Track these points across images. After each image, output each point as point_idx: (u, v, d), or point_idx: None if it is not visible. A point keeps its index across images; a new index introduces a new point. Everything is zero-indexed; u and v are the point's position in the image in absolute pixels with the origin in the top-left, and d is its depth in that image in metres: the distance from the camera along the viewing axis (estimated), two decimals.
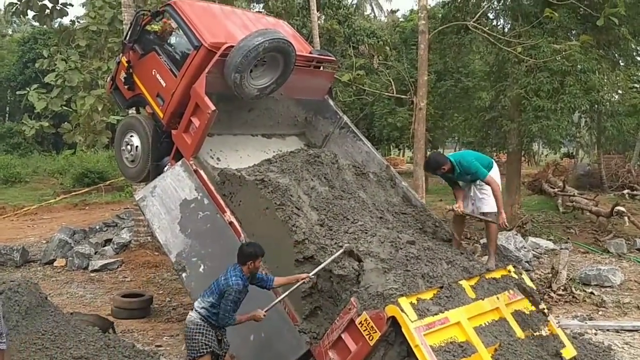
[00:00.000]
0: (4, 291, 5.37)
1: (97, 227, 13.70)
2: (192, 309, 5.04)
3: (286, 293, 5.18)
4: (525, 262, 10.40)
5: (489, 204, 6.44)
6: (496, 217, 6.42)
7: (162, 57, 6.76)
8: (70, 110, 12.73)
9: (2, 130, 32.01)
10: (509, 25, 14.55)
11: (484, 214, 6.47)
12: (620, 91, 14.04)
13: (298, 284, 5.12)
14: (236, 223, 5.96)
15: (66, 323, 5.75)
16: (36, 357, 5.12)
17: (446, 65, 16.00)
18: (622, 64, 14.28)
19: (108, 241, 12.38)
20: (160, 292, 9.56)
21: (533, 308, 5.60)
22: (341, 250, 5.25)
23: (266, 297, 5.28)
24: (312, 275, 5.13)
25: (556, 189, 17.10)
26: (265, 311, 5.03)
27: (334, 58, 7.60)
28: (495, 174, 6.46)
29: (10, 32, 45.24)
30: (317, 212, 5.94)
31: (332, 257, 5.21)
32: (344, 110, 7.96)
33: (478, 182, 6.45)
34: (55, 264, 11.24)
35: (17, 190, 23.32)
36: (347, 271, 5.22)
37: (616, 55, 13.92)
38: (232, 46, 6.15)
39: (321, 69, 7.45)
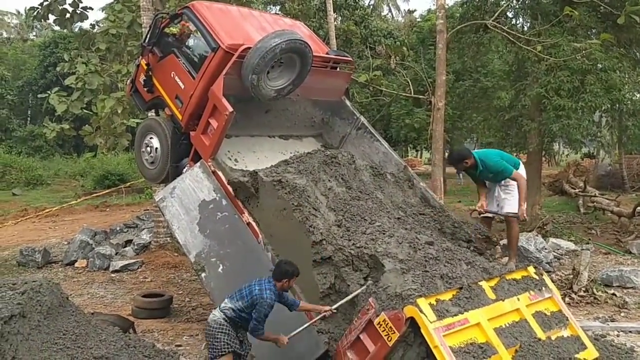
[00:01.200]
0: (26, 291, 5.43)
1: (118, 228, 13.86)
2: (215, 308, 5.09)
3: (308, 324, 5.22)
4: (546, 263, 10.28)
5: (512, 205, 6.42)
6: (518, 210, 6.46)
7: (180, 59, 6.82)
8: (91, 113, 12.90)
9: (24, 134, 32.58)
10: (529, 24, 14.43)
11: (507, 214, 6.45)
12: None
13: (320, 315, 5.18)
14: (254, 224, 5.99)
15: (87, 323, 5.80)
16: (57, 356, 5.17)
17: (465, 65, 15.91)
18: None
19: (128, 242, 12.51)
20: (180, 292, 9.63)
21: (554, 309, 5.53)
22: (364, 287, 5.23)
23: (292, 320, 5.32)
24: (334, 308, 5.16)
25: (577, 190, 16.89)
26: (289, 338, 5.08)
27: (350, 58, 7.60)
28: (522, 172, 6.45)
29: (31, 36, 46.06)
30: (334, 213, 5.94)
31: (356, 292, 5.22)
32: (361, 111, 7.94)
33: (503, 182, 6.43)
34: (76, 264, 11.39)
35: (38, 192, 23.71)
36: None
37: (637, 53, 13.70)
38: (250, 48, 6.19)
39: (338, 69, 7.44)
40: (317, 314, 5.22)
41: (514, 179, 6.36)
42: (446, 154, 22.01)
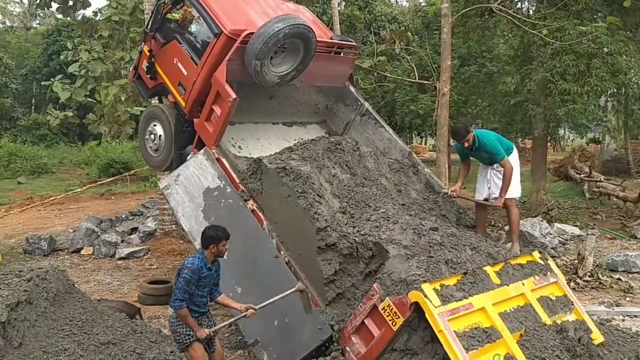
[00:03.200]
0: (32, 278, 5.48)
1: (123, 216, 13.92)
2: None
3: (228, 322, 5.21)
4: (551, 248, 10.27)
5: (496, 186, 6.41)
6: (513, 201, 6.53)
7: (183, 45, 6.80)
8: (95, 101, 12.90)
9: (29, 122, 32.62)
10: (534, 8, 14.26)
11: (496, 199, 6.44)
12: None
13: (242, 315, 4.93)
14: (258, 211, 5.99)
15: (93, 309, 5.86)
16: (64, 342, 5.23)
17: (470, 50, 15.78)
18: None
19: (134, 230, 12.57)
20: None
21: (559, 294, 5.53)
22: (293, 289, 5.13)
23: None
24: (258, 308, 4.93)
25: (582, 175, 16.82)
26: (213, 331, 4.91)
27: (354, 44, 7.54)
28: (513, 158, 6.48)
29: (34, 24, 45.94)
30: (338, 200, 5.93)
31: (283, 294, 5.09)
32: (365, 97, 7.89)
33: (496, 166, 6.41)
34: (82, 252, 11.46)
35: (44, 180, 23.79)
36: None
37: None
38: (253, 33, 6.14)
39: (342, 55, 7.39)
40: (237, 313, 5.02)
41: (502, 166, 6.35)
42: (451, 141, 21.92)
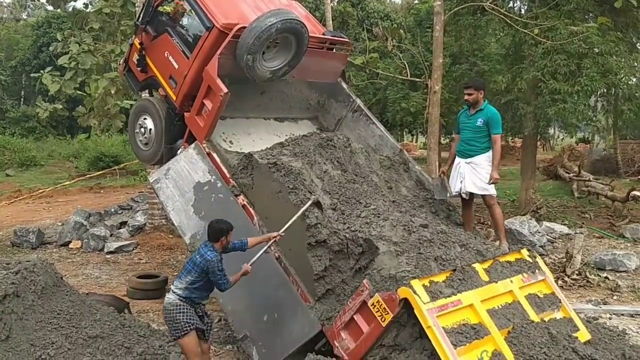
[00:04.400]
0: (19, 271, 5.43)
1: (112, 210, 13.83)
2: (168, 292, 5.06)
3: (264, 249, 5.35)
4: (540, 246, 10.34)
5: (476, 185, 6.44)
6: (494, 199, 6.57)
7: (174, 38, 6.75)
8: (84, 94, 12.79)
9: (17, 115, 32.35)
10: (526, 7, 14.33)
11: (467, 193, 6.49)
12: (638, 74, 13.79)
13: (271, 241, 5.35)
14: (249, 206, 5.98)
15: (82, 303, 5.82)
16: (52, 335, 5.20)
17: (462, 48, 15.81)
18: (639, 46, 14.02)
19: (123, 224, 12.50)
20: (175, 273, 9.59)
21: (547, 291, 5.58)
22: (309, 202, 5.44)
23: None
24: (282, 232, 5.34)
25: (571, 174, 16.94)
26: (251, 264, 5.17)
27: (347, 40, 7.52)
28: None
29: (24, 16, 45.47)
30: (329, 196, 5.92)
31: (301, 210, 5.38)
32: (357, 94, 7.88)
33: (475, 161, 6.42)
34: (70, 245, 11.40)
35: (32, 173, 23.60)
36: (311, 220, 5.42)
37: (634, 38, 13.66)
38: (245, 27, 6.11)
39: (334, 51, 7.37)
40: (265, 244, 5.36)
41: (494, 141, 6.40)
42: (442, 138, 21.94)
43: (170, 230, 11.59)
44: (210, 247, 5.00)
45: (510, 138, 23.40)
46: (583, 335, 5.36)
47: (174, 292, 4.96)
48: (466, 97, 6.53)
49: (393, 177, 6.90)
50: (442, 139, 21.70)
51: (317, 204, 5.52)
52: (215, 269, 4.89)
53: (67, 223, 12.01)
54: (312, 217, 5.52)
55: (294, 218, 5.35)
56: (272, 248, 5.69)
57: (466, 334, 4.63)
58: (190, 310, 4.98)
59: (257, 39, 6.02)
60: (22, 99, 36.73)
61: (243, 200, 6.03)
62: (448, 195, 6.61)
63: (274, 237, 5.32)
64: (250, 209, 5.97)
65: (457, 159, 6.64)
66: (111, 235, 11.81)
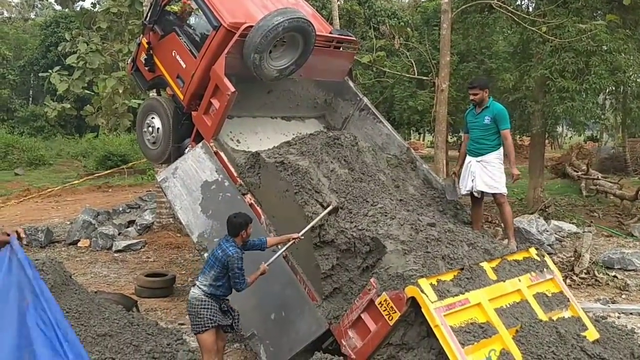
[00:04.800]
0: None
1: (120, 208, 13.90)
2: (193, 286, 5.09)
3: (283, 249, 5.33)
4: (548, 245, 10.30)
5: (487, 184, 6.41)
6: (504, 198, 6.55)
7: (181, 38, 6.77)
8: (92, 93, 12.85)
9: (26, 114, 32.55)
10: (534, 4, 14.25)
11: (479, 192, 6.48)
12: None
13: (290, 243, 5.30)
14: (256, 205, 5.99)
15: (90, 301, 5.87)
16: None
17: (469, 46, 15.74)
18: None
19: (131, 222, 12.56)
20: (183, 272, 9.69)
21: (555, 290, 5.55)
22: (330, 208, 5.40)
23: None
24: (302, 234, 5.27)
25: (580, 173, 16.85)
26: (268, 265, 5.16)
27: (354, 38, 7.51)
28: (501, 154, 6.50)
29: (32, 16, 45.73)
30: (336, 195, 5.92)
31: (321, 215, 5.35)
32: (364, 93, 7.87)
33: (485, 159, 6.41)
34: (79, 244, 11.45)
35: (41, 172, 23.75)
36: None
37: None
38: (252, 26, 6.12)
39: (341, 49, 7.37)
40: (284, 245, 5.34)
41: (505, 137, 6.38)
42: (449, 137, 21.85)
43: (178, 229, 11.63)
44: (231, 242, 5.00)
45: (518, 136, 23.26)
46: (591, 334, 5.34)
47: (199, 287, 4.99)
48: (472, 97, 6.52)
49: (400, 175, 6.89)
50: (449, 137, 21.62)
51: (335, 210, 5.49)
52: (235, 267, 4.89)
53: (76, 222, 12.07)
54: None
55: (315, 221, 5.31)
56: (280, 247, 5.70)
57: (474, 333, 4.62)
58: (215, 307, 5.00)
59: (264, 37, 6.03)
60: (30, 99, 36.95)
61: (250, 199, 6.05)
62: (460, 196, 6.60)
63: (294, 239, 5.28)
64: (258, 208, 5.98)
65: (468, 158, 6.64)
66: (119, 234, 11.86)
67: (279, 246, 5.38)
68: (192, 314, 5.02)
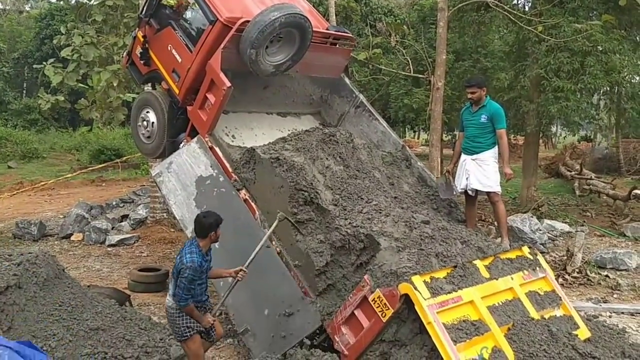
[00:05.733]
0: (21, 262, 5.46)
1: (114, 203, 13.85)
2: (168, 294, 4.90)
3: (224, 298, 5.19)
4: (540, 244, 10.33)
5: (481, 182, 6.44)
6: (498, 196, 6.56)
7: (177, 32, 6.74)
8: (87, 86, 12.78)
9: (20, 107, 32.34)
10: (530, 4, 14.27)
11: (473, 190, 6.51)
12: None
13: (235, 282, 5.02)
14: (251, 201, 5.98)
15: (83, 295, 5.85)
16: (53, 327, 5.23)
17: (465, 45, 15.75)
18: None
19: (125, 217, 12.51)
20: None
21: (547, 289, 5.59)
22: (275, 223, 5.28)
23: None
24: (246, 267, 5.00)
25: (573, 172, 16.92)
26: (212, 317, 4.94)
27: (351, 35, 7.51)
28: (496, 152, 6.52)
29: (27, 8, 45.40)
30: (331, 192, 5.93)
31: (266, 235, 5.26)
32: (360, 90, 7.87)
33: (480, 158, 6.43)
34: (72, 238, 11.41)
35: (34, 165, 23.62)
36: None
37: (638, 36, 13.60)
38: (248, 21, 6.10)
39: (338, 46, 7.36)
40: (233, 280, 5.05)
41: (500, 136, 6.40)
42: (444, 135, 21.86)
43: (171, 224, 11.60)
44: (194, 246, 4.74)
45: (513, 136, 23.32)
46: (583, 332, 5.38)
47: (171, 297, 4.80)
48: (469, 95, 6.53)
49: (395, 173, 6.90)
50: (444, 135, 21.65)
51: (294, 224, 5.39)
52: (184, 277, 4.57)
53: (69, 215, 12.02)
54: (304, 214, 5.55)
55: (260, 245, 5.15)
56: (274, 243, 5.71)
57: (466, 330, 4.65)
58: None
59: (260, 33, 6.01)
60: (24, 91, 36.70)
61: (245, 195, 6.04)
62: (454, 194, 6.62)
63: (236, 273, 4.98)
64: (252, 204, 5.97)
65: (463, 156, 6.65)
66: (113, 228, 11.83)
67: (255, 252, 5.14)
68: (171, 323, 4.88)
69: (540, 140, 18.40)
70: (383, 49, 15.64)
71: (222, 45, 6.13)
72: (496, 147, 6.47)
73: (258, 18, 6.05)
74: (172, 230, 11.50)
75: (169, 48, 6.81)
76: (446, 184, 6.62)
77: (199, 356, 4.91)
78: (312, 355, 4.91)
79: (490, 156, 6.46)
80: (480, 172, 6.47)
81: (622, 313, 7.51)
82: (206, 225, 4.78)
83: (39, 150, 25.67)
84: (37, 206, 14.92)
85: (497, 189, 6.49)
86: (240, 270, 4.96)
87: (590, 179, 15.78)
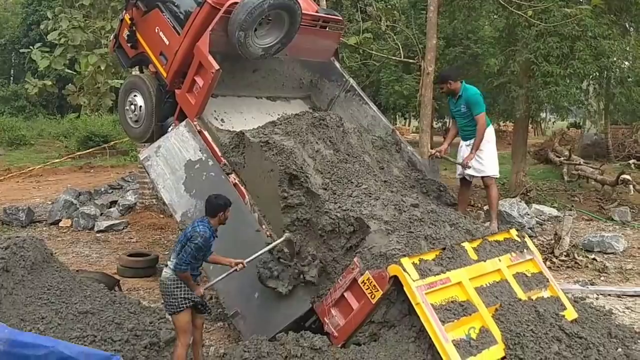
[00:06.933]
0: (9, 246, 5.42)
1: (102, 189, 13.77)
2: (165, 266, 4.94)
3: (220, 277, 5.21)
4: (529, 228, 10.42)
5: (475, 168, 6.58)
6: (493, 180, 6.64)
7: (165, 14, 6.66)
8: (74, 72, 12.64)
9: (7, 93, 31.96)
10: None
11: (470, 175, 6.61)
12: (630, 58, 13.79)
13: (231, 270, 5.10)
14: (240, 185, 5.96)
15: (72, 279, 5.83)
16: (41, 310, 5.20)
17: (455, 30, 15.72)
18: (632, 29, 14.01)
19: (113, 203, 12.45)
20: (166, 252, 9.62)
21: (535, 270, 5.64)
22: (282, 239, 5.34)
23: None
24: (247, 262, 5.10)
25: (562, 158, 17.02)
26: (207, 287, 5.07)
27: (340, 18, 7.45)
28: (490, 135, 6.56)
29: None
30: (321, 176, 5.92)
31: (271, 245, 5.31)
32: (351, 76, 7.85)
33: (470, 142, 6.50)
34: (60, 224, 11.34)
35: (22, 152, 23.40)
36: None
37: (627, 23, 13.65)
38: (237, 3, 6.03)
39: (327, 29, 7.30)
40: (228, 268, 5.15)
41: (477, 120, 6.45)
42: (434, 122, 21.90)
43: (161, 210, 11.55)
44: (205, 222, 4.90)
45: (502, 122, 23.41)
46: (570, 313, 5.44)
47: (170, 267, 4.86)
48: (441, 91, 6.63)
49: (385, 157, 6.90)
50: (434, 122, 21.69)
51: (289, 242, 5.42)
52: (195, 242, 4.70)
53: (57, 202, 11.93)
54: (294, 199, 5.55)
55: (263, 251, 5.25)
56: (264, 227, 5.70)
57: (454, 311, 4.69)
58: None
59: (249, 14, 5.94)
60: (11, 78, 36.25)
61: (234, 179, 6.01)
62: (438, 177, 6.64)
63: (236, 264, 5.08)
64: (242, 188, 5.94)
65: (461, 142, 6.80)
66: (101, 214, 11.76)
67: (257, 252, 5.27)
68: (166, 295, 4.87)
69: (530, 127, 18.49)
70: (374, 35, 15.57)
71: (210, 28, 6.06)
72: (489, 128, 6.54)
73: (246, 0, 5.99)
74: (162, 216, 11.46)
75: (156, 30, 6.73)
76: (430, 165, 6.75)
77: (187, 331, 4.89)
78: (302, 338, 4.92)
79: (483, 141, 6.51)
80: (475, 158, 6.54)
81: (609, 295, 7.61)
82: (216, 205, 4.93)
83: (27, 137, 25.42)
84: (25, 192, 14.81)
85: (490, 173, 6.57)
86: (240, 263, 5.07)
87: (579, 164, 15.89)
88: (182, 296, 4.81)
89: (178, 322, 4.87)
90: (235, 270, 5.08)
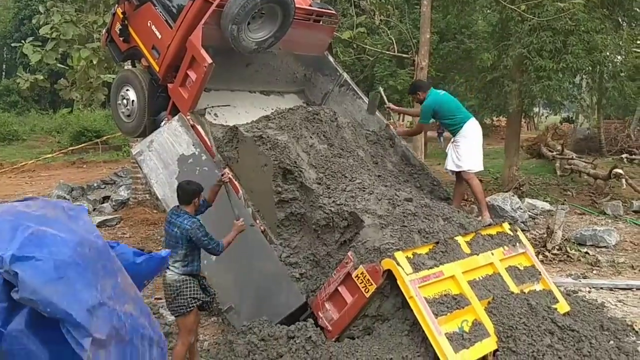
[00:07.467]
0: None
1: (95, 184, 13.73)
2: (167, 269, 4.82)
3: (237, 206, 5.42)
4: (521, 222, 10.44)
5: (454, 163, 6.64)
6: (471, 174, 6.71)
7: (157, 7, 6.61)
8: (67, 67, 12.55)
9: None
10: None
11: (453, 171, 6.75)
12: (622, 52, 13.83)
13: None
14: (234, 179, 5.95)
15: None
16: None
17: (449, 25, 15.73)
18: (625, 24, 14.05)
19: (106, 198, 12.43)
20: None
21: (527, 264, 5.67)
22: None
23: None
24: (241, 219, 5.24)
25: (555, 153, 17.08)
26: (238, 218, 5.17)
27: (334, 12, 7.44)
28: (472, 129, 6.65)
29: None
30: (315, 170, 5.93)
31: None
32: (344, 71, 7.85)
33: (454, 140, 6.58)
34: None
35: (14, 148, 23.28)
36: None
37: (620, 15, 13.67)
38: None
39: (321, 23, 7.28)
40: None
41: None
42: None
43: (154, 205, 11.53)
44: (182, 213, 4.81)
45: (496, 117, 23.47)
46: (562, 306, 5.48)
47: (173, 270, 4.78)
48: (414, 100, 7.00)
49: (379, 151, 6.92)
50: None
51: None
52: (199, 236, 4.72)
53: (50, 197, 11.87)
54: (288, 193, 5.55)
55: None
56: (258, 221, 5.70)
57: (447, 304, 4.72)
58: (195, 284, 4.85)
59: (242, 8, 5.91)
60: (3, 73, 36.01)
61: (228, 174, 5.99)
62: (374, 113, 7.27)
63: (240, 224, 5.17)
64: (236, 182, 5.94)
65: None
66: (94, 209, 11.74)
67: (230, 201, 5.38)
68: (173, 296, 4.79)
69: (523, 121, 18.53)
70: (367, 29, 15.54)
71: (202, 21, 6.02)
72: (462, 129, 6.61)
73: None
74: (155, 211, 11.43)
75: (148, 24, 6.68)
76: (370, 101, 7.30)
77: (192, 331, 4.87)
78: (296, 332, 4.93)
79: (460, 137, 6.63)
80: (450, 153, 6.70)
81: (601, 288, 7.65)
82: (190, 191, 4.88)
83: (19, 132, 25.31)
84: (17, 188, 14.73)
85: (466, 167, 6.61)
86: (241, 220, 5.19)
87: (572, 158, 15.94)
88: (191, 295, 4.77)
89: (185, 323, 4.81)
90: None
